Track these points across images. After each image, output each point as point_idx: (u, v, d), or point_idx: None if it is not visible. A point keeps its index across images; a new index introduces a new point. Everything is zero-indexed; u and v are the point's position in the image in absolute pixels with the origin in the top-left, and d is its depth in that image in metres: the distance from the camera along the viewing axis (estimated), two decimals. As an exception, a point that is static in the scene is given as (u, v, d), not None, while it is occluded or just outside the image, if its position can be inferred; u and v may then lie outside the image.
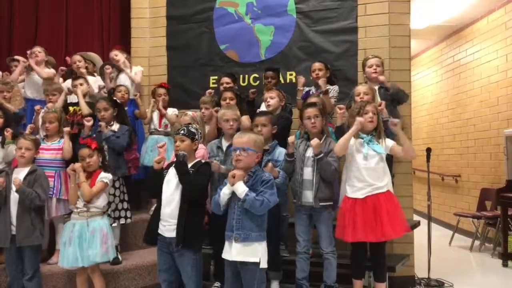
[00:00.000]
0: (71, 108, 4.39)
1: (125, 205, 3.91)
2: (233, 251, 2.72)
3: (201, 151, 3.67)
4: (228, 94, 4.10)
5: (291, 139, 3.37)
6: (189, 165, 3.01)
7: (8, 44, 5.85)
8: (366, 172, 3.24)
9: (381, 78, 4.00)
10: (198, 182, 2.95)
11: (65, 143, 3.76)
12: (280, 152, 3.51)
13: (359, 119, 3.21)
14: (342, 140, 3.24)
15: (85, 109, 4.24)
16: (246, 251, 2.71)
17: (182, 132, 3.03)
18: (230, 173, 2.76)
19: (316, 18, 4.77)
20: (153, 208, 3.28)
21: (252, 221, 2.72)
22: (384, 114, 3.61)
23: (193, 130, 3.07)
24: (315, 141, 3.30)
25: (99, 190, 3.29)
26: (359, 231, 3.17)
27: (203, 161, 3.13)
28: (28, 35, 5.83)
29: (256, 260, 2.70)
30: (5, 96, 4.24)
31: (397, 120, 3.27)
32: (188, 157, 3.02)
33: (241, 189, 2.70)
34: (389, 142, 3.32)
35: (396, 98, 4.03)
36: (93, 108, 4.17)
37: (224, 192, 2.78)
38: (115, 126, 3.96)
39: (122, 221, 3.86)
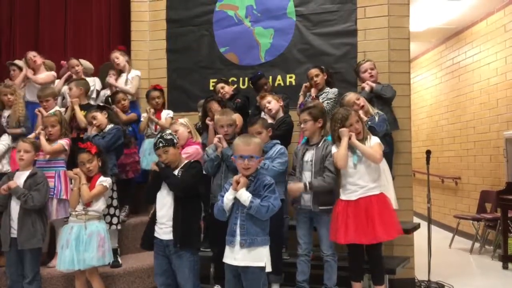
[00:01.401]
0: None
1: (112, 210, 3.79)
2: (238, 256, 2.71)
3: (192, 149, 3.68)
4: (214, 105, 4.06)
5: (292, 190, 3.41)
6: (179, 169, 3.05)
7: (8, 46, 5.85)
8: (358, 177, 3.27)
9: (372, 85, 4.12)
10: (184, 178, 2.98)
11: (41, 140, 3.67)
12: (275, 150, 3.49)
13: (344, 130, 3.26)
14: (340, 154, 3.24)
15: (82, 122, 4.19)
16: (252, 256, 2.70)
17: (161, 144, 3.01)
18: (235, 179, 2.74)
19: (316, 21, 4.78)
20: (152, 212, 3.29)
21: (256, 225, 2.72)
22: (368, 112, 3.78)
23: (169, 137, 3.05)
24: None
25: (98, 193, 3.28)
26: (351, 233, 3.19)
27: (192, 161, 3.16)
28: (29, 37, 5.82)
29: (262, 264, 2.71)
30: (9, 98, 4.26)
31: (352, 133, 3.27)
32: (178, 163, 3.07)
33: (245, 196, 2.68)
34: (374, 141, 3.34)
35: (383, 95, 4.09)
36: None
37: (228, 198, 2.75)
38: (108, 127, 3.95)
39: (119, 226, 3.83)
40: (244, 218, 2.71)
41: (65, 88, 4.84)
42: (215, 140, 3.53)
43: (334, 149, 3.34)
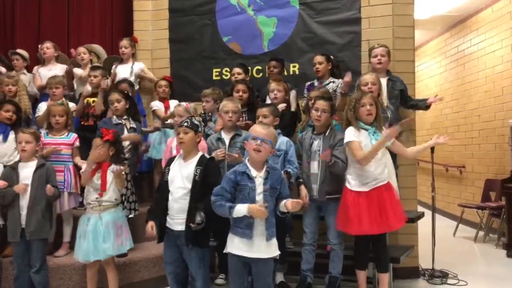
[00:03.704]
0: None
1: (134, 197, 3.97)
2: (258, 249, 2.65)
3: (202, 143, 3.68)
4: (241, 87, 4.07)
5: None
6: (193, 160, 3.00)
7: (12, 38, 5.85)
8: (372, 165, 3.23)
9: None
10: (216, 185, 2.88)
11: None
12: (282, 142, 3.50)
13: (388, 131, 3.15)
14: (371, 153, 3.16)
15: (99, 108, 4.22)
16: (272, 247, 2.70)
17: (185, 124, 3.01)
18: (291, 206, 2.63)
19: (319, 9, 4.73)
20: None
21: (273, 217, 2.73)
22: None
23: (196, 122, 3.07)
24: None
25: (119, 179, 3.32)
26: (364, 224, 3.17)
27: (206, 155, 3.12)
28: (32, 26, 5.82)
29: (278, 252, 2.73)
30: (10, 89, 4.24)
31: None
32: (191, 150, 3.03)
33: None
34: None
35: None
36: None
37: (241, 212, 2.62)
38: (132, 123, 4.00)
39: (133, 213, 3.92)
40: (269, 212, 2.65)
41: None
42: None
43: (350, 136, 3.26)
